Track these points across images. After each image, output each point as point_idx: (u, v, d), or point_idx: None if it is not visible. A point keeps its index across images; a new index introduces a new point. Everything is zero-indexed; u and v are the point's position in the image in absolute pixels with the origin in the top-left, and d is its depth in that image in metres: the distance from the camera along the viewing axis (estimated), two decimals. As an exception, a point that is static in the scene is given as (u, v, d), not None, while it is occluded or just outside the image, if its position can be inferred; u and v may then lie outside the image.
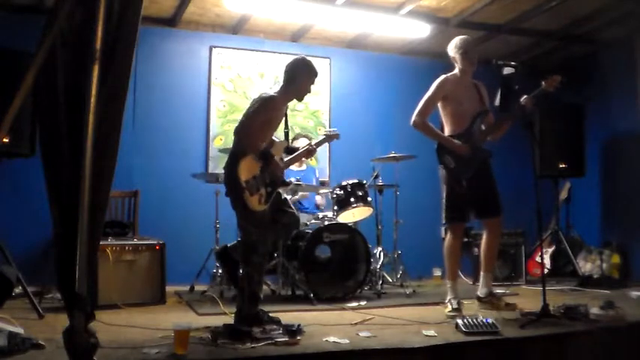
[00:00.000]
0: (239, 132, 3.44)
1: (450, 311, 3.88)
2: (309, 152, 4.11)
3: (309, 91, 3.60)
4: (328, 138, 4.37)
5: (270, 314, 3.49)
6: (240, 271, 3.47)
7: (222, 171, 3.57)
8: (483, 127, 4.07)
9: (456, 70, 4.13)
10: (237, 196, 3.36)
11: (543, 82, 3.82)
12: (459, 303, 3.93)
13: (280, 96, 3.55)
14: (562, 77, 3.82)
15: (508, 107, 3.97)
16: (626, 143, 6.13)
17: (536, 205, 3.62)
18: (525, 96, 3.88)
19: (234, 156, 3.40)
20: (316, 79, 3.61)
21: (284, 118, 3.77)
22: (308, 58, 3.63)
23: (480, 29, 5.88)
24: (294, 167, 5.13)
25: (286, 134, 3.91)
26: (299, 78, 3.53)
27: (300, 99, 3.63)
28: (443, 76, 4.11)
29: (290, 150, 4.16)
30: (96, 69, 2.25)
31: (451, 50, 4.12)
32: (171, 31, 5.82)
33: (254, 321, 3.28)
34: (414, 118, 4.06)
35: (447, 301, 4.00)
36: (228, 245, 4.24)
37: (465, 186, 3.94)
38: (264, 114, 3.45)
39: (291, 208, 3.66)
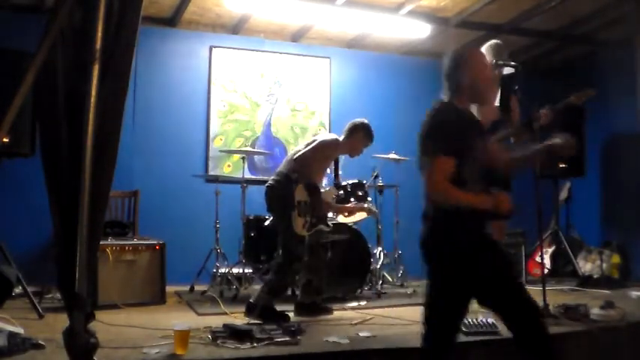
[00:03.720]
0: (299, 161, 3.72)
1: None
2: (362, 209, 4.45)
3: (360, 152, 4.01)
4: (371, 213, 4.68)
5: (280, 312, 3.68)
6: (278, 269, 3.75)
7: (221, 173, 3.70)
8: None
9: None
10: (285, 213, 3.65)
11: (572, 97, 3.80)
12: None
13: (342, 143, 3.92)
14: (594, 92, 3.81)
15: (508, 107, 3.97)
16: (626, 143, 6.13)
17: (536, 205, 3.61)
18: (547, 107, 3.83)
19: (289, 178, 3.71)
20: (368, 144, 4.03)
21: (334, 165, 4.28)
22: (369, 125, 4.01)
23: (480, 29, 5.88)
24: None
25: (337, 185, 4.40)
26: (357, 137, 3.93)
27: (351, 155, 4.02)
28: None
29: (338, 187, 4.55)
30: (96, 69, 2.25)
31: None
32: (172, 31, 5.82)
33: (265, 313, 3.50)
34: None
35: None
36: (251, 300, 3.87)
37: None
38: (324, 151, 3.83)
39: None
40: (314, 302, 3.82)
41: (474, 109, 2.56)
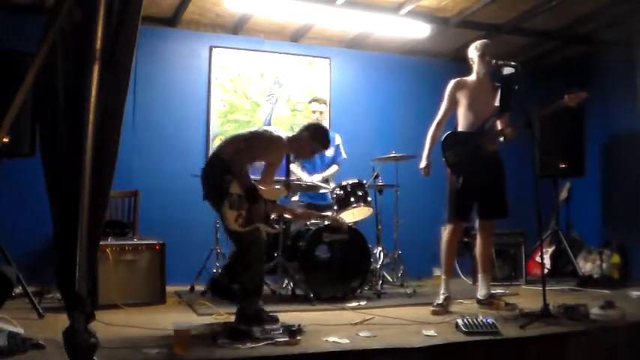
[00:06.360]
0: (232, 160, 3.41)
1: (434, 306, 3.92)
2: (318, 217, 4.15)
3: (308, 157, 3.80)
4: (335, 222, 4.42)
5: (270, 314, 3.51)
6: (240, 272, 3.48)
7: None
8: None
9: (473, 73, 4.17)
10: (217, 203, 3.41)
11: (566, 96, 3.83)
12: (446, 299, 3.96)
13: (286, 141, 3.62)
14: (587, 94, 3.83)
15: (508, 107, 3.98)
16: (626, 143, 6.13)
17: (536, 205, 3.61)
18: (511, 125, 3.95)
19: (227, 165, 3.40)
20: (322, 150, 3.82)
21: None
22: (328, 131, 3.79)
23: (480, 29, 5.88)
24: None
25: (287, 184, 4.13)
26: (307, 139, 3.65)
27: (296, 156, 3.75)
28: (454, 80, 4.18)
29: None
30: (96, 69, 2.25)
31: (471, 52, 4.18)
32: (172, 31, 5.82)
33: (255, 319, 3.31)
34: (430, 127, 4.18)
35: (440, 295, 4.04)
36: (215, 277, 3.76)
37: (462, 182, 3.95)
38: (260, 147, 3.54)
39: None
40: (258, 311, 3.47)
41: None
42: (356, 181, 4.86)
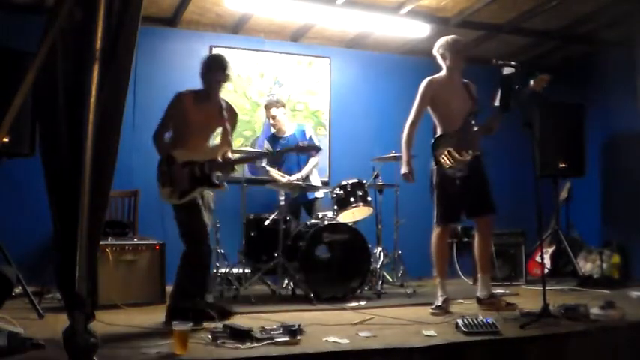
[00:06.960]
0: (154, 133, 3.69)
1: (433, 308, 3.92)
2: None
3: (216, 87, 3.71)
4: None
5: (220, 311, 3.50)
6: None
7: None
8: (475, 128, 4.08)
9: (444, 70, 4.15)
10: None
11: (531, 82, 3.84)
12: (444, 301, 3.96)
13: (188, 92, 3.70)
14: (550, 76, 3.82)
15: (508, 107, 3.97)
16: (626, 143, 6.13)
17: (536, 205, 3.61)
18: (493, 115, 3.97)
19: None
20: (222, 73, 3.70)
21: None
22: (220, 53, 3.84)
23: (480, 29, 5.88)
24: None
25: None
26: (204, 74, 3.69)
27: (209, 94, 3.70)
28: (427, 79, 4.15)
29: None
30: (96, 69, 2.25)
31: (441, 48, 4.15)
32: (172, 31, 5.82)
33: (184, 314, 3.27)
34: (405, 128, 4.12)
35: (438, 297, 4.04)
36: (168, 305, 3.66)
37: (458, 185, 3.94)
38: (168, 112, 3.71)
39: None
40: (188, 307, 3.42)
41: None
42: (356, 181, 4.86)
